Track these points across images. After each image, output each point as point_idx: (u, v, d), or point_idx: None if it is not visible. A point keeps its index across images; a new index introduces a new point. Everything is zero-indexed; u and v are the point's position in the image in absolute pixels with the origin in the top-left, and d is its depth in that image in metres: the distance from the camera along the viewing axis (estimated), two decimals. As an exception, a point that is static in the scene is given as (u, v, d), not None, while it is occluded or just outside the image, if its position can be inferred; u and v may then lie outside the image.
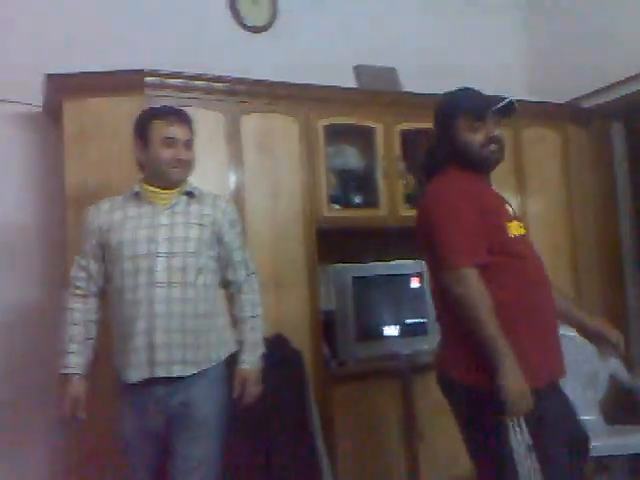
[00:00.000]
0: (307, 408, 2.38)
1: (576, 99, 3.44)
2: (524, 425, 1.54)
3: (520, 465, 1.53)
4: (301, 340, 2.62)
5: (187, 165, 1.90)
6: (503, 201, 1.81)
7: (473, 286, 1.58)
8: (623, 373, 2.80)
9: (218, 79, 2.66)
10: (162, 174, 1.87)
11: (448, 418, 2.79)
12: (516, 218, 1.78)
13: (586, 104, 3.44)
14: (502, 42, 3.73)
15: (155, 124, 1.86)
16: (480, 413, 1.62)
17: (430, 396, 2.80)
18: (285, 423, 2.28)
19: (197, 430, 1.78)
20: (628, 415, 2.75)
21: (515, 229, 1.71)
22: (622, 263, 3.47)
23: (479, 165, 1.76)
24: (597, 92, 3.34)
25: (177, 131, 1.86)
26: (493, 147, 1.74)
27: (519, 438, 1.54)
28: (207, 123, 2.51)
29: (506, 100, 1.74)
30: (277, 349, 2.35)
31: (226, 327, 1.94)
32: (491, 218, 1.67)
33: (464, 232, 1.63)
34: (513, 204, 1.91)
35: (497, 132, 1.75)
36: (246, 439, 2.17)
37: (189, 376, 1.79)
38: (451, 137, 1.76)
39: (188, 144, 1.89)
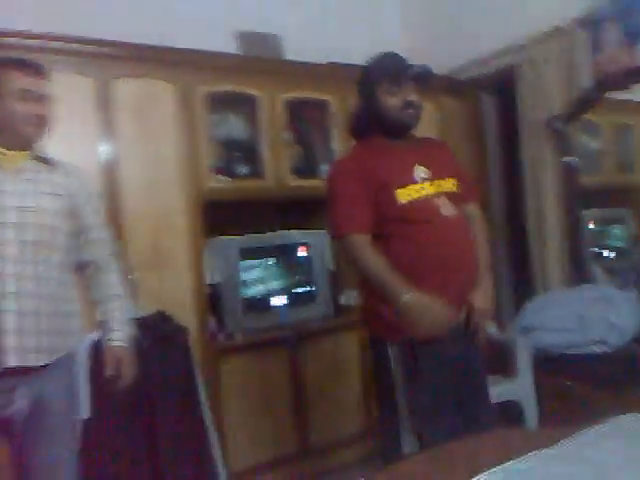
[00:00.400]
0: (193, 383, 2.34)
1: (450, 71, 3.59)
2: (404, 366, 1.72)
3: (399, 397, 1.74)
4: (187, 315, 2.56)
5: (44, 123, 1.69)
6: (415, 163, 1.79)
7: (359, 249, 1.69)
8: (492, 326, 3.04)
9: (87, 41, 2.44)
10: (15, 132, 1.64)
11: (336, 384, 2.91)
12: (431, 179, 1.77)
13: (459, 76, 3.60)
14: (379, 14, 3.78)
15: (9, 74, 1.63)
16: (379, 357, 1.78)
17: (317, 363, 2.89)
18: (171, 400, 2.23)
19: (51, 427, 1.62)
20: (495, 366, 3.00)
21: (411, 193, 1.73)
22: (493, 224, 3.73)
23: (396, 129, 1.81)
24: (470, 64, 3.51)
25: (34, 83, 1.66)
26: (410, 111, 1.79)
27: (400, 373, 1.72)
28: (73, 89, 2.32)
29: (422, 66, 1.81)
30: (159, 326, 2.29)
31: (80, 314, 1.76)
32: (381, 190, 1.72)
33: (346, 204, 1.74)
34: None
35: (414, 97, 1.79)
36: (128, 420, 2.10)
37: (44, 366, 1.60)
38: (372, 102, 1.80)
39: (45, 99, 1.69)
